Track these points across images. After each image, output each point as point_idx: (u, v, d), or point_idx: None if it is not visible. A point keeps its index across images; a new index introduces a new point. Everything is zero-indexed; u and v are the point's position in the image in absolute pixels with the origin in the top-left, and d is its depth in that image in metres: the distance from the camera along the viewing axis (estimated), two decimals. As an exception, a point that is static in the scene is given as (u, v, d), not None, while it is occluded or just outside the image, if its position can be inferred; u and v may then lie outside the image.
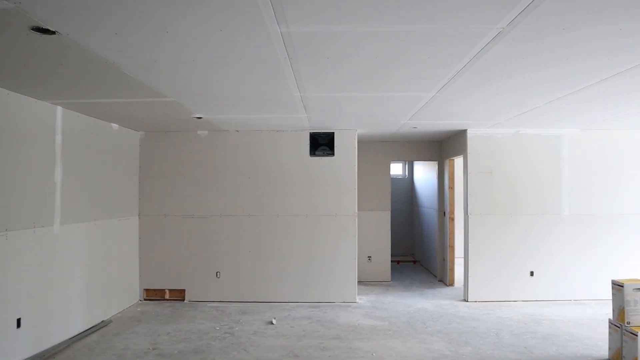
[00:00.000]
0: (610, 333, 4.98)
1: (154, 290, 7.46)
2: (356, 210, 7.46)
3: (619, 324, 4.84)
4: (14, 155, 4.65)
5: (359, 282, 8.42)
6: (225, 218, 7.42)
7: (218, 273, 7.42)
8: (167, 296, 7.43)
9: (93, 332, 5.87)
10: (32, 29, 2.88)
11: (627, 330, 4.72)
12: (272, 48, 3.31)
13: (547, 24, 2.87)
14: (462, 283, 8.51)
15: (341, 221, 7.40)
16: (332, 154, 7.41)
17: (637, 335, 4.58)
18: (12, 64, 3.68)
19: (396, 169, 11.97)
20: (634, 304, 4.76)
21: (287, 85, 4.44)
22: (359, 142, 8.49)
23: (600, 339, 5.60)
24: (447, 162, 8.78)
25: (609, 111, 5.93)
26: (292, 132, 7.43)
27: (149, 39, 3.11)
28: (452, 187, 8.70)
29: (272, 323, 6.24)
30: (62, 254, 5.45)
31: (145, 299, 7.42)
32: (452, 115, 6.21)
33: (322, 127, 7.20)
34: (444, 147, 8.99)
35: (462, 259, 9.03)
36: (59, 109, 5.36)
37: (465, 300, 7.44)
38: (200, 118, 6.22)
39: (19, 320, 4.69)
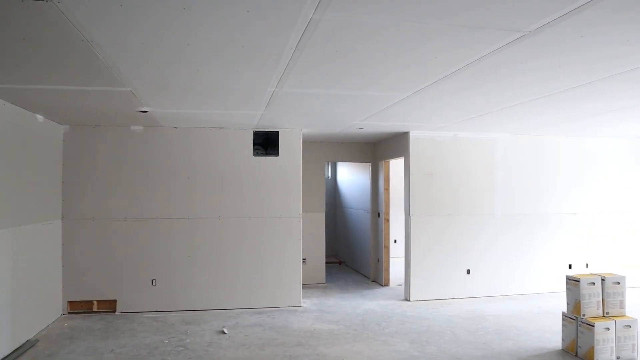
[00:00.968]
0: (564, 325, 5.27)
1: (80, 302, 6.73)
2: (301, 212, 7.28)
3: (574, 316, 5.13)
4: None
5: (297, 286, 8.24)
6: (162, 221, 6.89)
7: (154, 281, 6.86)
8: (95, 308, 6.74)
9: (19, 355, 5.13)
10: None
11: (583, 322, 5.01)
12: (285, 37, 3.06)
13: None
14: (397, 283, 8.67)
15: (286, 223, 7.18)
16: (277, 153, 7.17)
17: (593, 326, 4.87)
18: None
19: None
20: (589, 297, 5.07)
21: (269, 79, 4.18)
22: (296, 142, 8.32)
23: (547, 331, 5.92)
24: (382, 164, 8.87)
25: (538, 120, 6.34)
26: (235, 130, 7.08)
27: (142, 20, 2.74)
28: (387, 189, 8.81)
29: (223, 332, 5.87)
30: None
31: (69, 313, 6.67)
32: (402, 117, 6.24)
33: (268, 126, 6.94)
34: (379, 149, 9.08)
35: (397, 260, 9.19)
36: (-12, 97, 4.64)
37: (407, 299, 7.54)
38: (145, 112, 5.71)
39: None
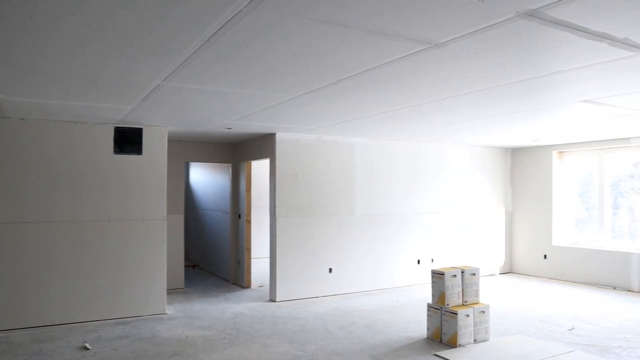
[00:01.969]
0: (429, 315, 5.72)
1: None
2: (165, 214, 6.89)
3: (439, 306, 5.60)
4: None
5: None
6: (7, 226, 6.01)
7: (-8, 296, 5.96)
8: None
9: None
10: None
11: (447, 311, 5.49)
12: (203, 26, 2.88)
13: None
14: (259, 284, 8.66)
15: (149, 226, 6.75)
16: (140, 152, 6.70)
17: (456, 314, 5.37)
18: None
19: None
20: (451, 289, 5.58)
21: (160, 71, 3.90)
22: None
23: (410, 322, 6.37)
24: (244, 165, 8.78)
25: (399, 127, 6.88)
26: (93, 124, 6.46)
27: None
28: (249, 190, 8.74)
29: (86, 348, 5.32)
30: None
31: None
32: (271, 118, 6.26)
33: (132, 122, 6.46)
34: (240, 149, 8.97)
35: (256, 261, 9.18)
36: None
37: (273, 300, 7.56)
38: (-9, 101, 4.95)
39: None
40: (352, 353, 5.20)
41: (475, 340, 5.47)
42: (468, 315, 5.45)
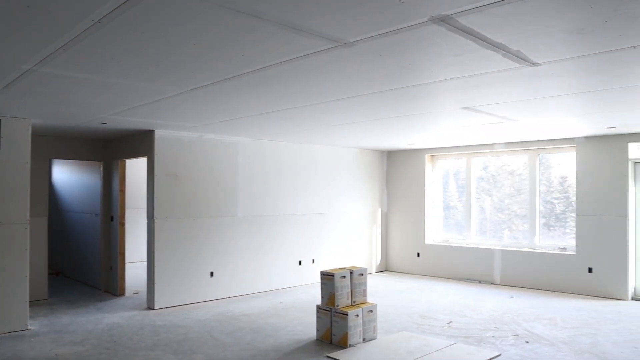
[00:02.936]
0: (319, 317, 5.71)
1: None
2: (28, 217, 6.15)
3: (328, 308, 5.61)
4: None
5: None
6: None
7: None
8: None
9: None
10: None
11: (337, 312, 5.51)
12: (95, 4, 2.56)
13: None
14: (133, 291, 8.13)
15: (10, 231, 5.97)
16: (-3, 147, 5.92)
17: (346, 315, 5.42)
18: None
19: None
20: (341, 289, 5.61)
21: (34, 53, 3.41)
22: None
23: (298, 324, 6.32)
24: (117, 164, 8.14)
25: (274, 127, 6.84)
26: (-63, 116, 5.58)
27: None
28: (123, 191, 8.12)
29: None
30: None
31: None
32: (151, 114, 5.88)
33: (-13, 114, 5.68)
34: (113, 147, 8.32)
35: (130, 265, 8.59)
36: None
37: (152, 308, 7.10)
38: None
39: None
40: (243, 360, 5.02)
41: (364, 340, 5.56)
42: (357, 315, 5.52)
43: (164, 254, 7.20)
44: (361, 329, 5.55)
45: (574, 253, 8.25)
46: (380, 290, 8.49)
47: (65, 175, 9.92)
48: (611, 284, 7.80)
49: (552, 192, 9.05)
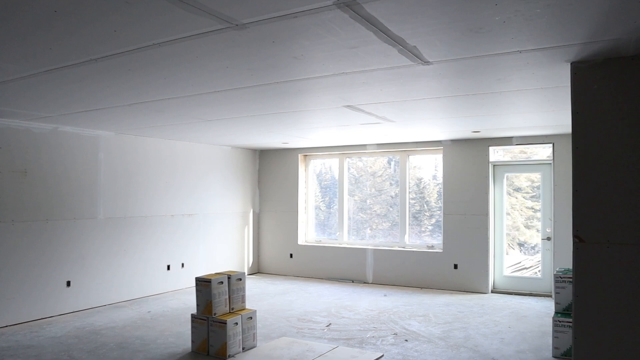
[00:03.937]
0: (194, 327, 5.28)
1: None
2: None
3: (205, 317, 5.20)
4: None
5: None
6: None
7: None
8: None
9: None
10: None
11: (214, 321, 5.13)
12: None
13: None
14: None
15: None
16: None
17: (225, 324, 5.05)
18: None
19: None
20: (218, 296, 5.23)
21: None
22: None
23: (169, 336, 5.81)
24: (-52, 158, 6.92)
25: (141, 121, 6.31)
26: None
27: None
28: (-44, 190, 6.92)
29: None
30: None
31: None
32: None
33: None
34: (-58, 138, 7.06)
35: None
36: None
37: (-7, 326, 6.12)
38: None
39: None
40: (108, 382, 4.44)
41: (244, 349, 5.23)
42: (237, 323, 5.18)
43: (8, 262, 6.23)
44: (240, 337, 5.21)
45: (441, 251, 8.64)
46: (255, 294, 8.19)
47: None
48: (474, 279, 8.28)
49: (410, 192, 9.48)
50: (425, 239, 9.18)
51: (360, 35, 2.98)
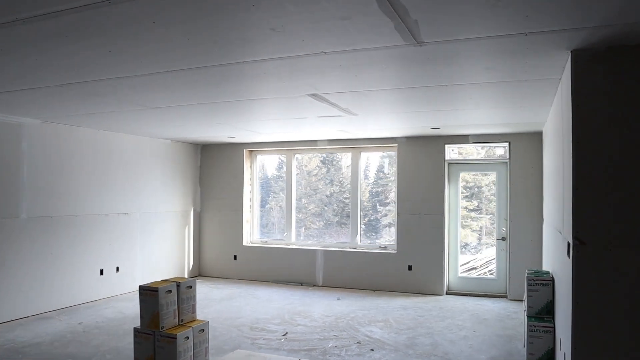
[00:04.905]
0: (138, 342, 4.60)
1: None
2: None
3: (151, 331, 4.55)
4: None
5: None
6: None
7: None
8: None
9: None
10: None
11: (162, 336, 4.50)
12: None
13: None
14: None
15: None
16: None
17: (175, 338, 4.44)
18: None
19: None
20: (166, 307, 4.60)
21: None
22: None
23: (107, 352, 5.13)
24: None
25: (71, 107, 5.60)
26: None
27: None
28: None
29: None
30: None
31: None
32: None
33: None
34: None
35: None
36: None
37: None
38: None
39: None
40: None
41: (193, 365, 4.64)
42: (187, 338, 4.57)
43: None
44: (192, 352, 4.61)
45: (394, 251, 8.34)
46: (199, 300, 7.52)
47: None
48: (429, 280, 8.03)
49: (344, 192, 9.27)
50: (358, 238, 8.88)
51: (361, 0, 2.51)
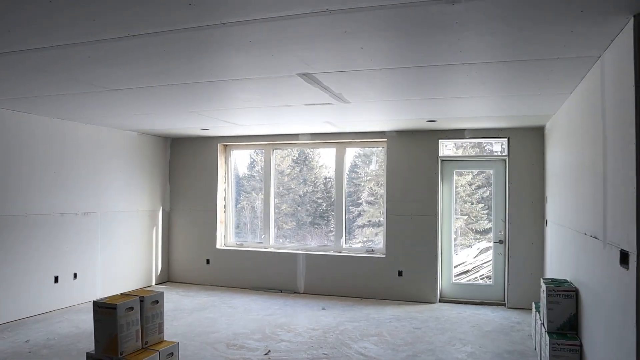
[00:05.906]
0: (91, 371, 3.80)
1: None
2: None
3: (108, 357, 3.75)
4: None
5: None
6: None
7: None
8: None
9: None
10: None
11: (121, 363, 3.70)
12: None
13: None
14: None
15: None
16: None
17: (130, 366, 3.66)
18: None
19: None
20: (127, 328, 3.80)
21: None
22: None
23: (54, 380, 4.28)
24: None
25: (19, 89, 4.73)
26: None
27: None
28: None
29: None
30: None
31: None
32: None
33: None
34: None
35: None
36: None
37: None
38: None
39: None
40: None
41: (161, 397, 3.86)
42: (152, 364, 3.79)
43: None
44: (157, 382, 3.84)
45: (383, 256, 7.65)
46: (168, 310, 6.70)
47: None
48: (421, 287, 7.37)
49: (317, 192, 8.74)
50: (332, 238, 8.22)
51: None
